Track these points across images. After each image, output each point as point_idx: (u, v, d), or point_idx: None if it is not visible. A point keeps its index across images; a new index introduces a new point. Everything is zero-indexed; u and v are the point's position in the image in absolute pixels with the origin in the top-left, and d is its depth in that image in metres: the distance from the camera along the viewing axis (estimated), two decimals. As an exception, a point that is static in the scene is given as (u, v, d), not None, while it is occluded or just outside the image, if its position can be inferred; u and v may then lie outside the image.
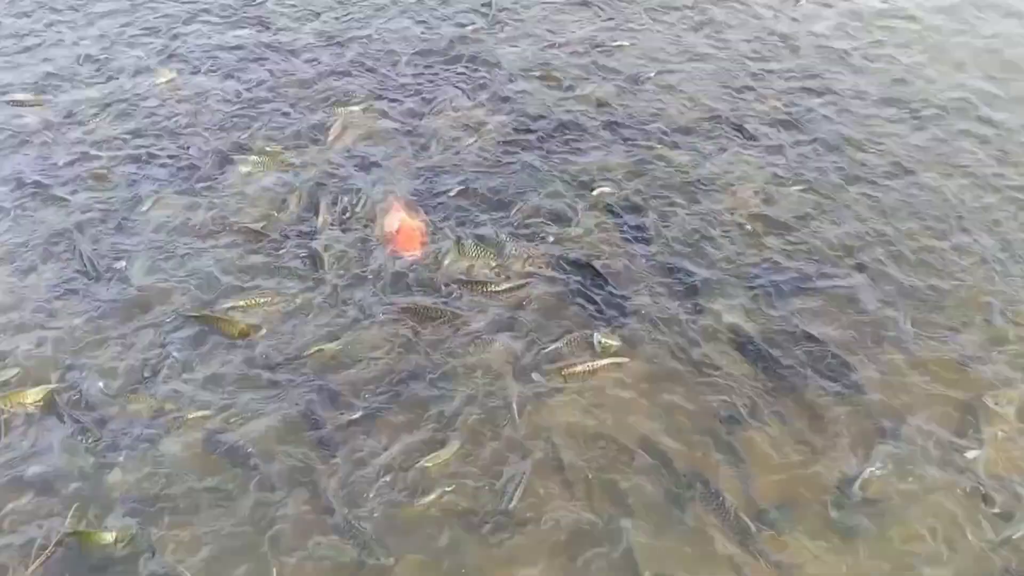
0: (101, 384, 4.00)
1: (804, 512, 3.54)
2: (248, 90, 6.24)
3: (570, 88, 6.33)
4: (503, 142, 5.73)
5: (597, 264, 4.70)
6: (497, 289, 4.54)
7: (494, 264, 4.71)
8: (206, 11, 7.27)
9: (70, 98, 6.09)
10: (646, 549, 3.38)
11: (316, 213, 5.03)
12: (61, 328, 4.28)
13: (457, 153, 5.61)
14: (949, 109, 6.20)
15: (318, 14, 7.31)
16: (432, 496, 3.55)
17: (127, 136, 5.72)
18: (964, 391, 4.07)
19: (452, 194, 5.22)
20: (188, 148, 5.60)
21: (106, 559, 3.31)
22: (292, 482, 3.60)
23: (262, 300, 4.43)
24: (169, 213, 5.05)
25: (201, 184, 5.28)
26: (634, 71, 6.52)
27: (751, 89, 6.40)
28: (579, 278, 4.63)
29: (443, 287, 4.58)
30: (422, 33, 7.04)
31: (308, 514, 3.49)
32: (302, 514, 3.49)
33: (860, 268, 4.76)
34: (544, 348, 4.22)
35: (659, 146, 5.70)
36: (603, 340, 4.23)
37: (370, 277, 4.62)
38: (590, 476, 3.66)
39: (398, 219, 4.90)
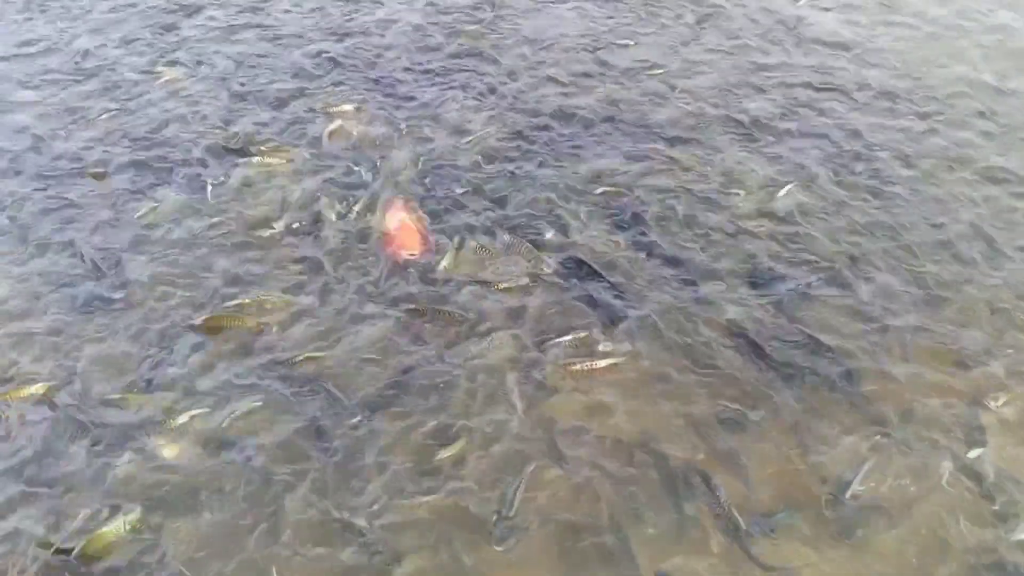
0: (101, 382, 4.00)
1: (803, 514, 3.52)
2: (249, 89, 6.23)
3: (572, 86, 6.31)
4: (503, 141, 5.71)
5: (597, 264, 4.68)
6: (499, 287, 4.54)
7: (494, 263, 4.70)
8: (208, 9, 7.26)
9: (70, 95, 6.09)
10: (646, 549, 3.38)
11: (317, 212, 5.02)
12: (61, 328, 4.28)
13: (457, 152, 5.60)
14: (953, 103, 6.20)
15: (321, 9, 7.29)
16: (434, 496, 3.55)
17: (128, 135, 5.71)
18: (966, 391, 4.05)
19: (452, 193, 5.21)
20: (189, 147, 5.59)
21: (106, 558, 3.32)
22: (293, 482, 3.60)
23: (267, 299, 4.43)
24: (170, 212, 5.04)
25: (202, 183, 5.27)
26: (636, 69, 6.50)
27: (753, 87, 6.39)
28: (580, 277, 4.62)
29: (443, 286, 4.57)
30: (425, 30, 7.04)
31: (308, 514, 3.48)
32: (303, 514, 3.48)
33: (861, 267, 4.75)
34: (545, 346, 4.22)
35: (660, 145, 5.69)
36: (604, 339, 4.23)
37: (371, 277, 4.61)
38: (590, 475, 3.65)
39: (398, 218, 4.90)
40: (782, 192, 5.27)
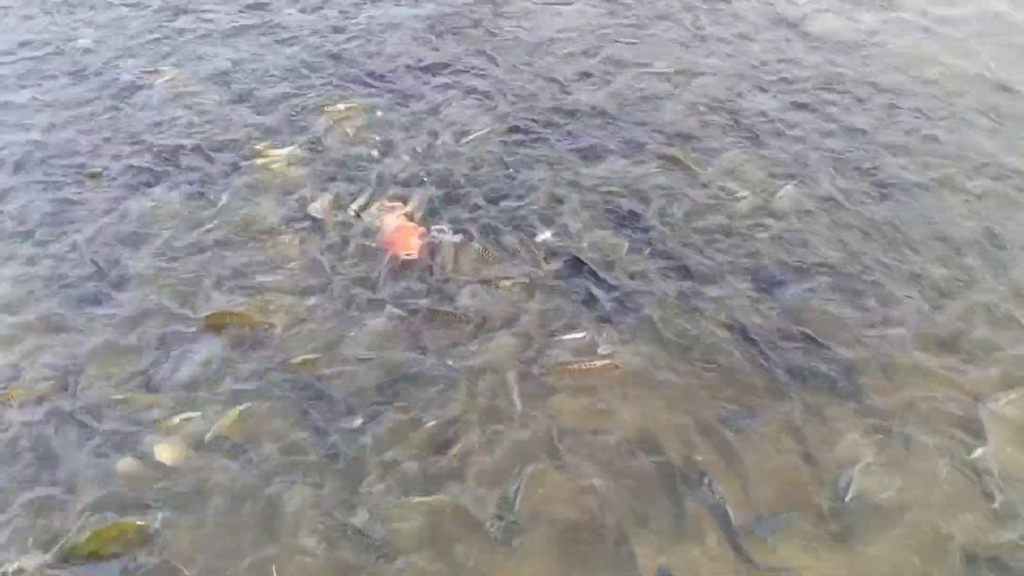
0: (101, 382, 4.00)
1: (802, 515, 3.52)
2: (250, 88, 6.23)
3: (573, 85, 6.31)
4: (504, 141, 5.71)
5: (597, 263, 4.69)
6: (499, 286, 4.54)
7: (495, 262, 4.70)
8: (209, 9, 7.27)
9: (70, 95, 6.10)
10: (648, 547, 3.38)
11: (318, 212, 5.02)
12: (61, 327, 4.29)
13: (458, 151, 5.60)
14: (955, 101, 6.18)
15: (322, 8, 7.30)
16: (434, 495, 3.55)
17: (129, 136, 5.71)
18: (966, 391, 4.05)
19: (452, 193, 5.21)
20: (189, 147, 5.59)
21: (104, 558, 3.32)
22: (293, 481, 3.60)
23: (268, 298, 4.44)
24: (172, 212, 5.04)
25: (202, 183, 5.28)
26: (637, 68, 6.50)
27: (754, 86, 6.39)
28: (579, 277, 4.63)
29: (443, 285, 4.57)
30: (426, 29, 7.04)
31: (308, 514, 3.48)
32: (303, 513, 3.48)
33: (862, 267, 4.74)
34: (545, 346, 4.22)
35: (661, 144, 5.68)
36: (604, 339, 4.24)
37: (370, 276, 4.61)
38: (591, 474, 3.65)
39: (396, 219, 4.90)
40: (782, 192, 5.27)
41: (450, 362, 4.14)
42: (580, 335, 4.29)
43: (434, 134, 5.74)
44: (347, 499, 3.54)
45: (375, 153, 5.56)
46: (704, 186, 5.34)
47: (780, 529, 3.45)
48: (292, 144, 5.61)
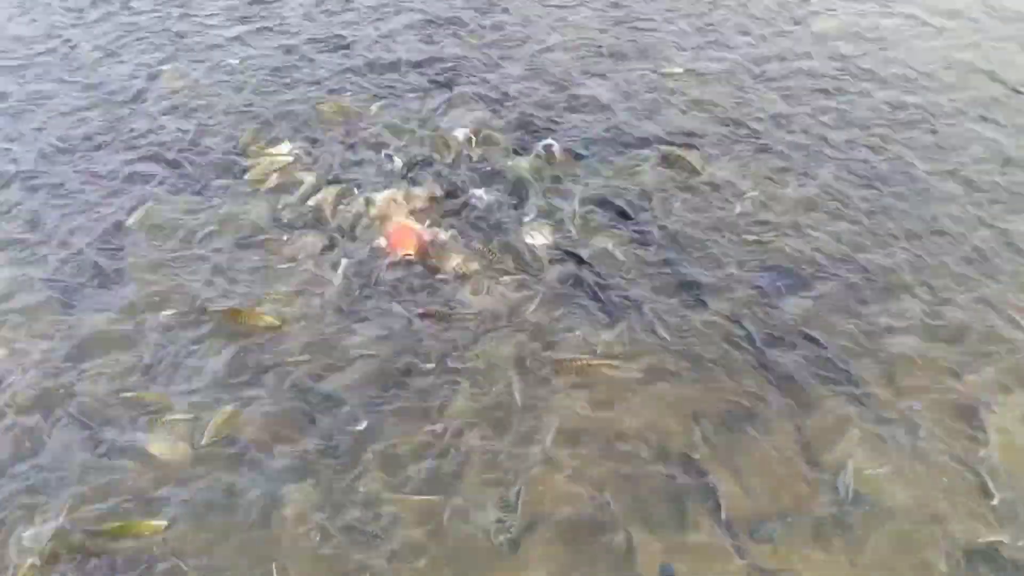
0: (102, 382, 4.01)
1: (802, 516, 3.51)
2: (250, 89, 6.25)
3: (574, 85, 6.32)
4: (504, 139, 5.71)
5: (597, 262, 4.70)
6: (500, 284, 4.56)
7: (495, 261, 4.71)
8: (211, 12, 7.29)
9: (71, 96, 6.12)
10: (649, 546, 3.38)
11: (316, 212, 5.03)
12: (63, 327, 4.30)
13: (459, 151, 5.60)
14: (956, 110, 6.17)
15: (323, 7, 7.32)
16: (435, 495, 3.55)
17: (130, 137, 5.73)
18: (967, 391, 4.04)
19: (452, 193, 5.22)
20: (188, 147, 5.61)
21: (103, 557, 3.33)
22: (293, 481, 3.61)
23: (269, 298, 4.45)
24: (172, 213, 5.05)
25: (202, 183, 5.29)
26: (639, 69, 6.50)
27: (756, 85, 6.39)
28: (580, 276, 4.63)
29: (443, 284, 4.58)
30: (427, 29, 7.05)
31: (308, 513, 3.48)
32: (302, 513, 3.48)
33: (862, 269, 4.73)
34: (545, 345, 4.22)
35: (661, 143, 5.68)
36: (604, 338, 4.25)
37: (370, 276, 4.62)
38: (591, 473, 3.65)
39: (396, 218, 4.91)
40: (784, 191, 5.27)
41: (450, 361, 4.14)
42: (580, 334, 4.29)
43: (434, 133, 5.74)
44: (347, 499, 3.54)
45: (375, 151, 5.57)
46: (706, 184, 5.34)
47: (780, 530, 3.45)
48: (291, 143, 5.62)
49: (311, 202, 5.10)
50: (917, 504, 3.56)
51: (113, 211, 5.06)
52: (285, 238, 4.88)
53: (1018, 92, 6.34)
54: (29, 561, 3.25)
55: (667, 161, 5.52)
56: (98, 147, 5.62)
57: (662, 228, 4.98)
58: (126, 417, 3.85)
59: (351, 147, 5.62)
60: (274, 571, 3.27)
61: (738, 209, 5.15)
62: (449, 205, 5.15)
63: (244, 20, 7.17)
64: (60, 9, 7.32)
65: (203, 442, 3.74)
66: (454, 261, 4.68)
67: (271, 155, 5.49)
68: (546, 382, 4.05)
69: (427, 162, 5.45)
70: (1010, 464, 3.72)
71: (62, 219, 4.99)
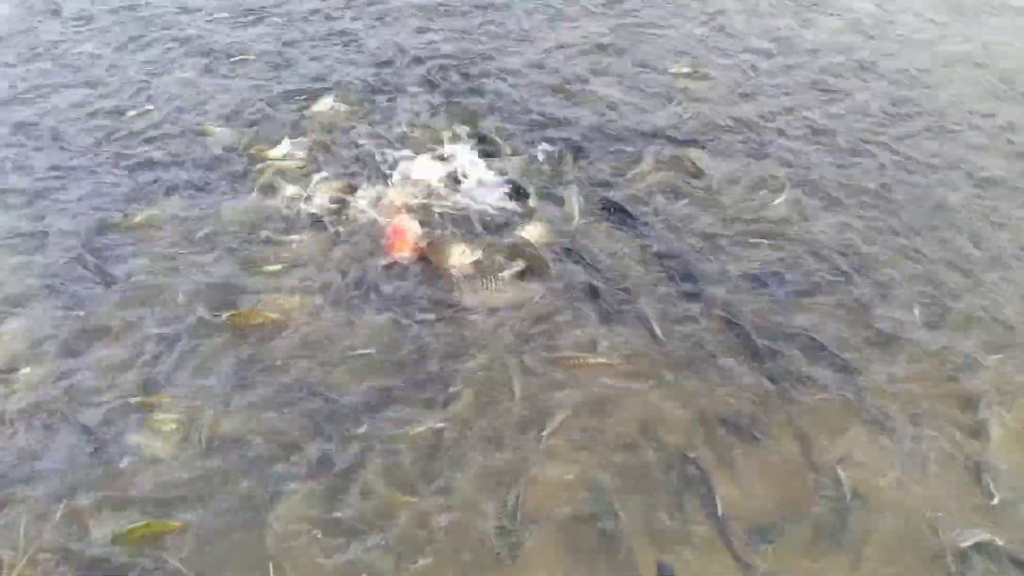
0: (101, 381, 4.02)
1: (801, 518, 3.50)
2: (253, 90, 6.27)
3: (576, 87, 6.33)
4: (504, 138, 5.71)
5: (597, 262, 4.70)
6: (499, 282, 4.56)
7: (494, 260, 4.71)
8: (212, 10, 7.31)
9: (72, 96, 6.15)
10: (649, 545, 3.38)
11: (317, 210, 5.05)
12: (63, 326, 4.30)
13: (459, 148, 5.60)
14: (956, 110, 6.17)
15: (324, 10, 7.34)
16: (435, 495, 3.54)
17: (131, 137, 5.76)
18: (968, 393, 4.02)
19: (452, 190, 5.23)
20: (193, 148, 5.63)
21: (103, 557, 3.32)
22: (291, 481, 3.60)
23: (269, 298, 4.46)
24: (172, 213, 5.06)
25: (205, 184, 5.31)
26: (641, 72, 6.50)
27: (757, 87, 6.40)
28: (580, 275, 4.63)
29: (442, 283, 4.58)
30: (428, 27, 7.05)
31: (307, 513, 3.48)
32: (301, 513, 3.48)
33: (863, 271, 4.72)
34: (545, 343, 4.22)
35: (661, 144, 5.68)
36: (603, 337, 4.24)
37: (372, 275, 4.63)
38: (591, 473, 3.64)
39: (393, 221, 4.91)
40: (784, 193, 5.26)
41: (450, 361, 4.14)
42: (580, 333, 4.29)
43: (435, 130, 5.74)
44: (346, 499, 3.53)
45: (375, 151, 5.57)
46: (708, 184, 5.34)
47: (779, 532, 3.43)
48: (291, 142, 5.63)
49: (311, 202, 5.10)
50: (917, 507, 3.54)
51: (114, 211, 5.08)
52: (285, 238, 4.88)
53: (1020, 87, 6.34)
54: (24, 560, 3.26)
55: (669, 160, 5.52)
56: (99, 147, 5.65)
57: (663, 227, 4.98)
58: (124, 416, 3.86)
59: (351, 147, 5.63)
60: (271, 570, 3.26)
61: (738, 209, 5.15)
62: (449, 205, 5.15)
63: (244, 20, 7.18)
64: (63, 11, 7.35)
65: (201, 441, 3.74)
66: (454, 260, 4.68)
67: (271, 156, 5.51)
68: (546, 381, 4.05)
69: (427, 163, 5.45)
70: (1011, 464, 3.71)
71: (63, 219, 5.01)
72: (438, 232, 4.90)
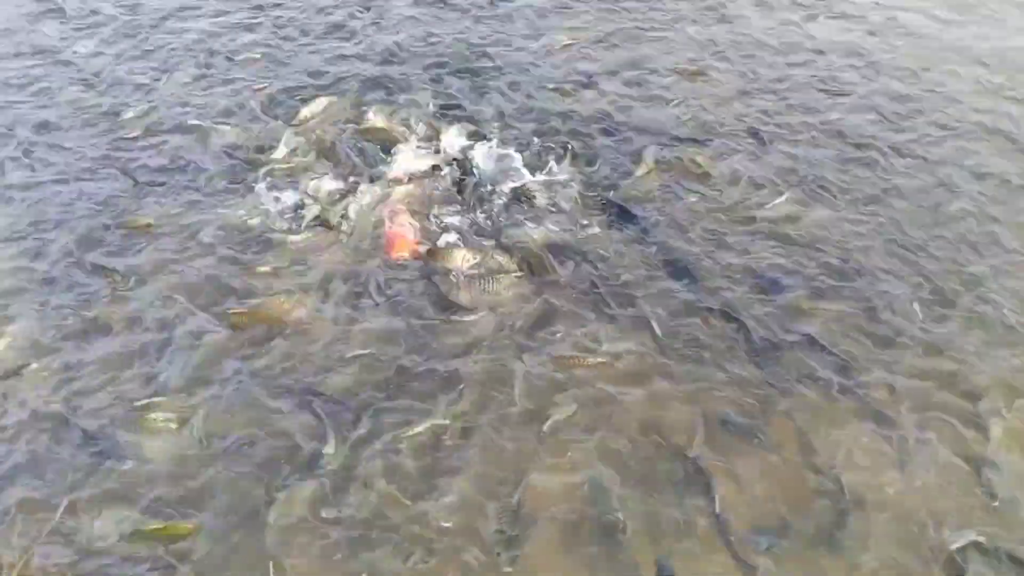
0: (100, 381, 4.02)
1: (801, 517, 3.49)
2: (249, 87, 6.29)
3: (576, 89, 6.32)
4: (505, 137, 5.71)
5: (598, 262, 4.69)
6: (500, 282, 4.56)
7: (494, 260, 4.70)
8: (212, 10, 7.31)
9: (70, 100, 6.15)
10: (647, 549, 3.37)
11: (316, 209, 5.04)
12: (63, 326, 4.31)
13: (458, 148, 5.60)
14: (959, 109, 6.15)
15: (326, 11, 7.34)
16: (434, 494, 3.54)
17: (132, 137, 5.76)
18: (969, 394, 4.01)
19: (453, 190, 5.23)
20: (194, 148, 5.64)
21: (102, 556, 3.32)
22: (290, 481, 3.60)
23: (269, 298, 4.46)
24: (172, 214, 5.06)
25: (207, 184, 5.31)
26: (640, 72, 6.49)
27: (758, 89, 6.38)
28: (581, 274, 4.63)
29: (442, 283, 4.57)
30: (427, 28, 7.05)
31: (306, 513, 3.48)
32: (301, 513, 3.47)
33: (864, 270, 4.71)
34: (546, 343, 4.22)
35: (663, 146, 5.67)
36: (604, 337, 4.24)
37: (372, 275, 4.63)
38: (591, 472, 3.64)
39: (392, 221, 4.90)
40: (786, 194, 5.25)
41: (451, 361, 4.13)
42: (581, 332, 4.28)
43: (436, 129, 5.74)
44: (346, 499, 3.53)
45: (376, 150, 5.56)
46: (708, 186, 5.33)
47: (779, 534, 3.42)
48: (291, 143, 5.61)
49: (311, 202, 5.10)
50: (918, 507, 3.53)
51: (114, 211, 5.08)
52: (285, 238, 4.88)
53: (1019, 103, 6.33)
54: (24, 560, 3.26)
55: (672, 160, 5.51)
56: (98, 147, 5.65)
57: (665, 227, 4.97)
58: (125, 416, 3.85)
59: (351, 147, 5.61)
60: (271, 570, 3.26)
61: (739, 210, 5.14)
62: (450, 205, 5.15)
63: (244, 19, 7.18)
64: (63, 11, 7.35)
65: (201, 441, 3.74)
66: (455, 260, 4.68)
67: (271, 156, 5.50)
68: (547, 381, 4.04)
69: (427, 162, 5.45)
70: (1013, 464, 3.69)
71: (64, 219, 5.01)
72: (438, 234, 4.89)
